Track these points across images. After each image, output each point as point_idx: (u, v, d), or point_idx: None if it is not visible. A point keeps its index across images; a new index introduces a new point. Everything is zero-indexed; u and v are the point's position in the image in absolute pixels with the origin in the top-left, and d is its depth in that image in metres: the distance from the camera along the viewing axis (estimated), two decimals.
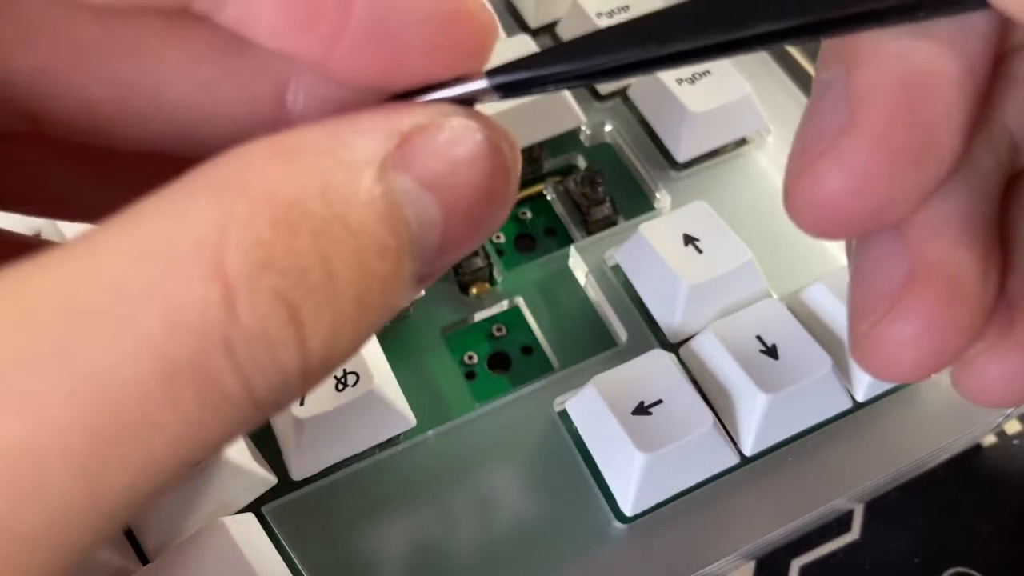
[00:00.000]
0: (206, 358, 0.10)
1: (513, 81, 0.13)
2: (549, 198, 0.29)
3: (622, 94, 0.30)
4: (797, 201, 0.13)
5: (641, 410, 0.22)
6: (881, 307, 0.14)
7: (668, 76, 0.28)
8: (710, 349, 0.24)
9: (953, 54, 0.13)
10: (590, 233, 0.28)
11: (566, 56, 0.13)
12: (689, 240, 0.25)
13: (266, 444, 0.23)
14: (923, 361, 0.14)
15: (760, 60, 0.31)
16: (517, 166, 0.13)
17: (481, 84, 0.13)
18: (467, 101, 0.13)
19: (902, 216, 0.13)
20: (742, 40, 0.12)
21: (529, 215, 0.28)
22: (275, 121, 0.14)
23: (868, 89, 0.13)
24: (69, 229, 0.24)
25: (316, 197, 0.11)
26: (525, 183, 0.29)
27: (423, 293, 0.25)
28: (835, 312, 0.24)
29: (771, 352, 0.23)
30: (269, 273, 0.11)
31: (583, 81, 0.13)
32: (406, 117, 0.12)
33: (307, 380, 0.11)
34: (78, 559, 0.10)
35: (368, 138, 0.12)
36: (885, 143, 0.12)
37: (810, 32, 0.12)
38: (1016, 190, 0.15)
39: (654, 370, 0.23)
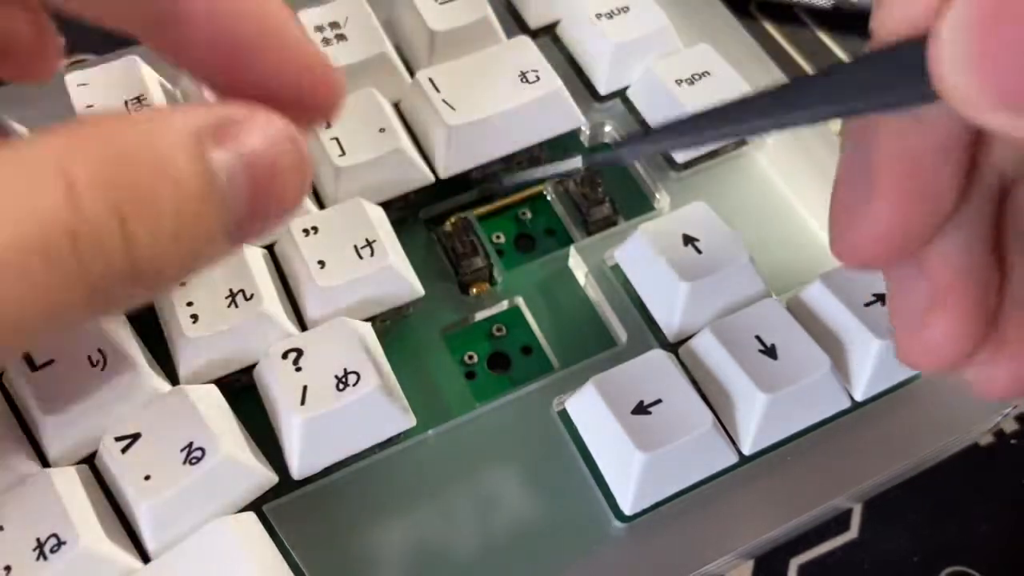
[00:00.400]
0: (52, 241, 0.14)
1: (596, 161, 0.19)
2: (549, 198, 0.29)
3: (621, 95, 0.30)
4: (841, 249, 0.18)
5: (640, 410, 0.22)
6: (915, 321, 0.18)
7: (667, 76, 0.28)
8: (709, 349, 0.24)
9: (942, 128, 0.16)
10: (590, 233, 0.28)
11: (639, 139, 0.18)
12: (689, 240, 0.25)
13: (267, 443, 0.23)
14: (952, 359, 0.18)
15: (760, 61, 0.31)
16: (305, 153, 0.18)
17: (577, 163, 0.19)
18: (568, 174, 0.19)
19: (917, 248, 0.17)
20: (771, 125, 0.16)
21: (529, 215, 0.29)
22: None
23: (882, 165, 0.17)
24: None
25: (148, 147, 0.15)
26: (525, 183, 0.29)
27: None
28: (834, 312, 0.24)
29: (770, 352, 0.23)
30: (104, 188, 0.14)
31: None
32: (226, 108, 0.17)
33: (136, 276, 0.15)
34: None
35: (191, 116, 0.16)
36: (898, 207, 0.17)
37: (825, 119, 0.16)
38: (1005, 205, 0.18)
39: (653, 370, 0.23)
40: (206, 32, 0.18)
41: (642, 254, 0.25)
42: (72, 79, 0.27)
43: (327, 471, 0.23)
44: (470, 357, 0.26)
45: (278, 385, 0.22)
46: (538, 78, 0.28)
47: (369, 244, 0.25)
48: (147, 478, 0.21)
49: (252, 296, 0.24)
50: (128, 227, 0.15)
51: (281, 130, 0.17)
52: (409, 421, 0.23)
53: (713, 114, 0.17)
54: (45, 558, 0.20)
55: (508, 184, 0.21)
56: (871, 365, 0.24)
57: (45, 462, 0.22)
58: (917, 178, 0.17)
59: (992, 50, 0.13)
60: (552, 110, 0.28)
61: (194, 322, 0.23)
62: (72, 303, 0.15)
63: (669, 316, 0.25)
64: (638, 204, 0.28)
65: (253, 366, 0.24)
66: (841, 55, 0.36)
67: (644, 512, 0.23)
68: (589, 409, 0.23)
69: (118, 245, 0.15)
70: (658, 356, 0.24)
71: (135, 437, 0.21)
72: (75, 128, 0.15)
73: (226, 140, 0.16)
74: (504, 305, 0.27)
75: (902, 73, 0.14)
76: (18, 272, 0.14)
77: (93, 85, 0.27)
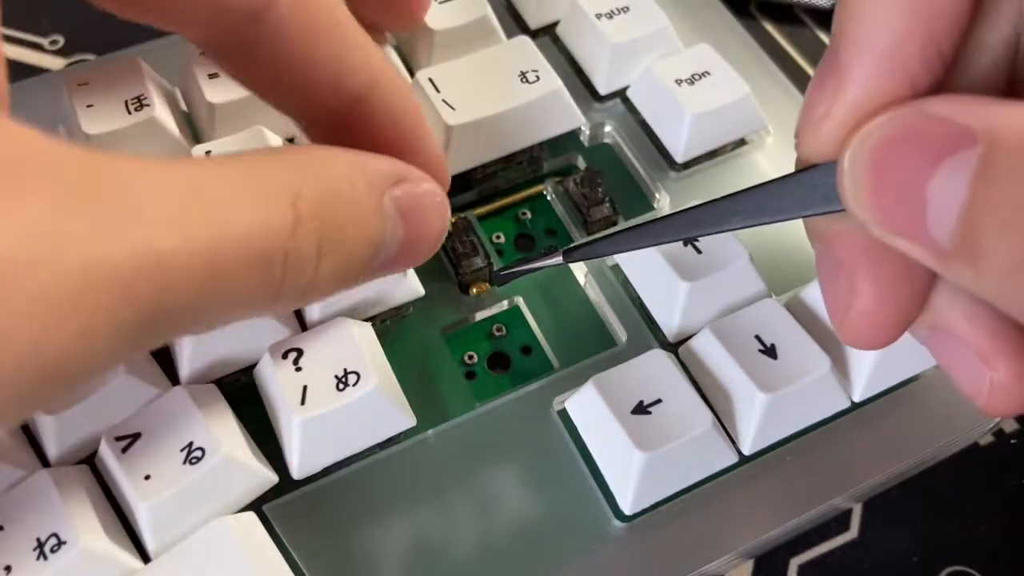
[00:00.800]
0: (272, 256, 0.16)
1: (576, 257, 0.22)
2: (549, 198, 0.29)
3: (621, 95, 0.30)
4: (848, 339, 0.19)
5: (640, 409, 0.22)
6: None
7: (667, 76, 0.28)
8: (709, 349, 0.24)
9: None
10: (590, 233, 0.28)
11: (609, 242, 0.21)
12: (688, 240, 0.25)
13: (267, 443, 0.23)
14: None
15: (759, 61, 0.31)
16: (447, 223, 0.21)
17: (558, 259, 0.22)
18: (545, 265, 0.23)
19: (911, 321, 0.18)
20: (710, 232, 0.20)
21: (529, 215, 0.29)
22: None
23: (848, 263, 0.18)
24: None
25: (350, 189, 0.18)
26: (525, 183, 0.29)
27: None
28: None
29: (770, 352, 0.23)
30: (316, 221, 0.17)
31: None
32: (403, 166, 0.19)
33: (305, 295, 0.18)
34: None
35: (380, 165, 0.19)
36: (878, 296, 0.18)
37: (741, 228, 0.19)
38: None
39: (653, 370, 0.23)
40: (376, 125, 0.21)
41: (642, 254, 0.25)
42: (72, 79, 0.27)
43: (327, 471, 0.23)
44: (470, 357, 0.26)
45: (278, 385, 0.22)
46: (538, 78, 0.28)
47: None
48: (147, 478, 0.21)
49: None
50: (322, 255, 0.17)
51: (441, 199, 0.20)
52: (409, 421, 0.23)
53: (674, 219, 0.20)
54: (45, 558, 0.20)
55: (504, 275, 0.24)
56: (871, 365, 0.24)
57: (45, 462, 0.22)
58: (882, 268, 0.18)
59: (878, 186, 0.15)
60: (552, 110, 0.28)
61: None
62: (258, 309, 0.17)
63: (669, 316, 0.25)
64: (638, 204, 0.28)
65: (253, 366, 0.24)
66: None
67: (644, 512, 0.23)
68: (589, 409, 0.23)
69: (311, 269, 0.17)
70: (658, 356, 0.24)
71: (135, 437, 0.21)
72: (302, 159, 0.18)
73: (398, 195, 0.19)
74: (504, 305, 0.27)
75: (818, 190, 0.17)
76: (235, 276, 0.15)
77: (93, 85, 0.27)
